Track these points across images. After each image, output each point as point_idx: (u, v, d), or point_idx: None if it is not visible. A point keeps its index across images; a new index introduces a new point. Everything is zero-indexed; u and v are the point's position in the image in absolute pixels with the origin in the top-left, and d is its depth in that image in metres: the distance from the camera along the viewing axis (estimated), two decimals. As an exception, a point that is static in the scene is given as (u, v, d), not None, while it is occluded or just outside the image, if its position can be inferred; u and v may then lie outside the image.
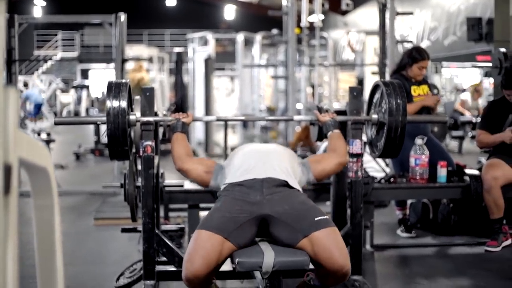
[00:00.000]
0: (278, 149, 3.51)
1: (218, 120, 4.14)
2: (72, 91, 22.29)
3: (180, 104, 11.08)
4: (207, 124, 10.94)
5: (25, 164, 1.33)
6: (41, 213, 1.49)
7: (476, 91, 12.51)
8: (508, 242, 4.92)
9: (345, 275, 2.90)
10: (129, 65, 14.82)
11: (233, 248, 2.96)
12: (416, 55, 5.23)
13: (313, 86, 14.53)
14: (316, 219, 2.97)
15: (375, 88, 3.80)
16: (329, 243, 2.88)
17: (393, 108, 3.52)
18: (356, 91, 3.85)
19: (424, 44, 16.63)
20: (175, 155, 3.50)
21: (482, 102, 15.14)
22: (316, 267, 2.99)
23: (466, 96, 12.68)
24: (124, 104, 3.41)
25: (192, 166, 3.45)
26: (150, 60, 11.23)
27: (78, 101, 21.72)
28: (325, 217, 3.02)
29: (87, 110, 22.26)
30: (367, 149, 4.06)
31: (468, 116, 11.94)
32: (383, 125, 3.62)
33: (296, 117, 4.04)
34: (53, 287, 1.49)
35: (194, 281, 2.84)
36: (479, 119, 10.99)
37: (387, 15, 7.66)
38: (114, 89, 3.45)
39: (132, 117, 3.55)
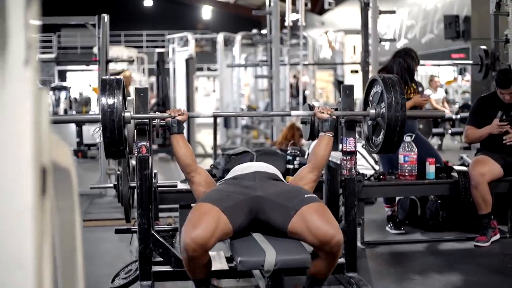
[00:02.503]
0: (267, 164, 3.67)
1: (214, 116, 4.14)
2: (50, 92, 22.12)
3: (162, 104, 11.06)
4: (189, 124, 10.93)
5: (53, 166, 1.34)
6: (62, 215, 1.50)
7: (431, 80, 12.64)
8: (496, 237, 4.99)
9: (338, 245, 3.01)
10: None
11: (228, 223, 3.07)
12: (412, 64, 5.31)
13: (291, 86, 14.58)
14: (306, 196, 3.20)
15: (372, 82, 3.80)
16: (319, 214, 3.06)
17: (392, 103, 3.49)
18: (348, 89, 3.87)
19: (401, 43, 16.75)
20: (182, 163, 3.51)
21: (458, 98, 15.30)
22: (311, 246, 3.09)
23: (441, 94, 12.77)
24: (119, 101, 3.39)
25: (199, 180, 3.50)
26: (131, 61, 11.20)
27: (57, 102, 21.57)
28: (314, 195, 3.26)
29: (65, 111, 22.13)
30: (358, 147, 4.08)
31: (448, 113, 12.04)
32: (381, 120, 3.62)
33: (294, 113, 4.01)
34: (74, 287, 1.50)
35: (193, 246, 2.92)
36: (458, 116, 11.19)
37: (370, 13, 7.70)
38: (108, 86, 3.41)
39: (127, 114, 3.52)
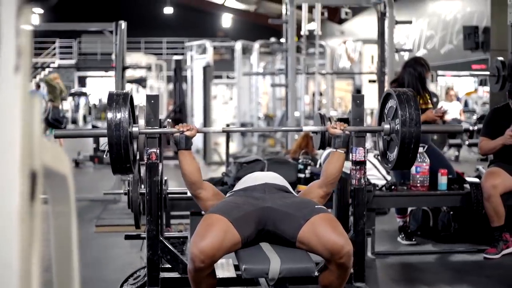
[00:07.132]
0: (277, 175, 3.63)
1: (224, 131, 4.10)
2: (69, 98, 22.31)
3: (179, 111, 11.11)
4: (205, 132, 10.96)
5: (47, 171, 1.35)
6: (58, 220, 1.51)
7: (446, 93, 12.61)
8: (509, 250, 4.93)
9: (348, 256, 2.97)
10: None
11: (236, 234, 3.04)
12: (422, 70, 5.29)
13: (313, 94, 14.56)
14: (316, 206, 3.18)
15: (386, 97, 3.72)
16: (330, 225, 3.03)
17: (406, 119, 3.39)
18: (359, 99, 3.84)
19: (420, 53, 16.70)
20: (189, 180, 3.43)
21: (478, 109, 15.22)
22: (321, 257, 3.07)
23: (456, 107, 12.70)
24: (125, 116, 3.30)
25: (206, 196, 3.48)
26: (148, 68, 11.27)
27: (76, 108, 21.74)
28: (324, 207, 3.23)
29: (84, 117, 22.29)
30: (368, 157, 4.06)
31: (465, 124, 11.98)
32: (395, 136, 3.53)
33: (306, 128, 3.98)
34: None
35: (201, 258, 2.90)
36: (476, 128, 11.14)
37: (386, 23, 7.70)
38: (115, 101, 3.33)
39: (135, 129, 3.47)
